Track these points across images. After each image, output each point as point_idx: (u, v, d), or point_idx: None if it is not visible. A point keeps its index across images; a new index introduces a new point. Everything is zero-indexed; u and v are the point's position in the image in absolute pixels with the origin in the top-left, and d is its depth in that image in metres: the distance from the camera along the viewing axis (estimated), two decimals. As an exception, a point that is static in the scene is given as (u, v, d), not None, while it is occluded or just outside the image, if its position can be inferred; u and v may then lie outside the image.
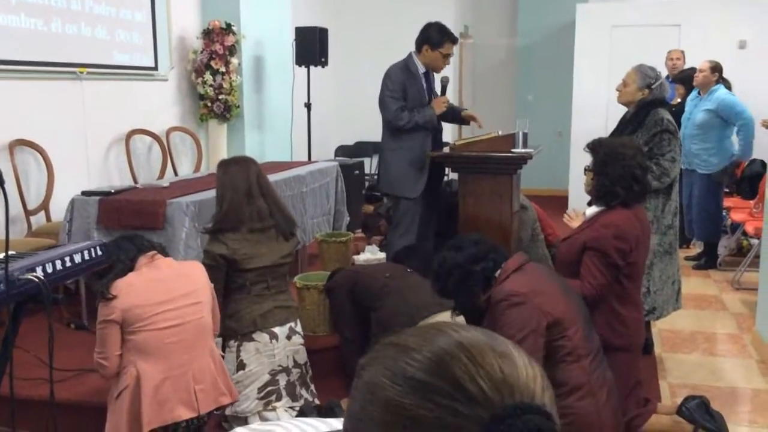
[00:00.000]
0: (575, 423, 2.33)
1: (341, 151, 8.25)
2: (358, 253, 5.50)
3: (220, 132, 6.25)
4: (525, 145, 4.08)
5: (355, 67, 8.04)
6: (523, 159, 3.93)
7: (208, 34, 6.00)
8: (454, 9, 8.76)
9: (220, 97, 6.05)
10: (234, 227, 2.98)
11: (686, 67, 6.52)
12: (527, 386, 0.64)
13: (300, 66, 6.55)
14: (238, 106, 6.21)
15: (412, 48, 4.26)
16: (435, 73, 4.33)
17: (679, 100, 6.22)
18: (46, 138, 4.48)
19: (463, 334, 0.68)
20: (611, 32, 7.95)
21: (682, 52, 6.73)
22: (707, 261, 5.91)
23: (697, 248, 6.25)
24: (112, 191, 3.90)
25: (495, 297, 2.43)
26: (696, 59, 6.32)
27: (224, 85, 6.04)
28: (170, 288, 2.56)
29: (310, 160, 6.57)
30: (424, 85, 4.23)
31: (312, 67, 6.55)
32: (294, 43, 6.48)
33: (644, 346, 3.94)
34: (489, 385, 0.62)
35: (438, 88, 4.43)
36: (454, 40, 4.19)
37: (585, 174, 2.99)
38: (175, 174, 5.65)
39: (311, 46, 6.46)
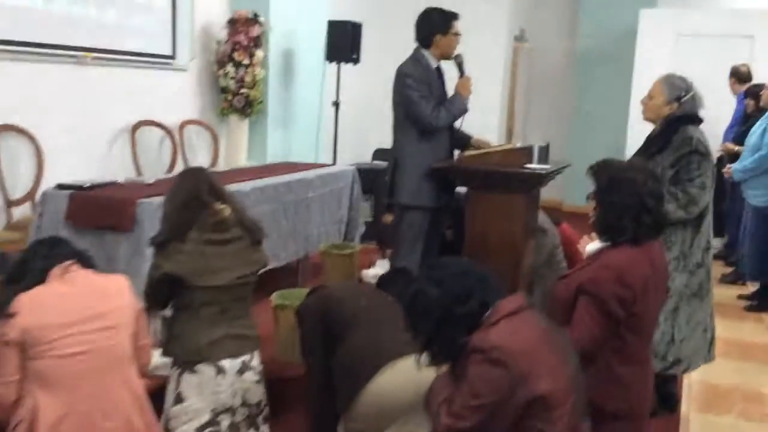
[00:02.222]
0: None
1: (380, 154, 7.85)
2: (369, 267, 5.11)
3: (241, 128, 5.95)
4: (545, 161, 3.60)
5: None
6: (538, 176, 3.46)
7: (233, 24, 5.70)
8: (508, 9, 8.27)
9: (241, 90, 5.74)
10: (180, 237, 2.63)
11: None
12: None
13: (330, 62, 6.20)
14: (261, 102, 5.90)
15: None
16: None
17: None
18: (40, 125, 4.25)
19: None
20: (676, 41, 7.31)
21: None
22: (761, 303, 5.26)
23: (751, 287, 5.59)
24: (86, 186, 3.62)
25: (474, 344, 1.98)
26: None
27: (246, 79, 5.73)
28: (81, 307, 2.21)
29: (334, 162, 6.22)
30: (438, 80, 3.82)
31: (347, 65, 6.19)
32: (326, 37, 6.13)
33: (667, 402, 3.42)
34: None
35: (451, 78, 3.94)
36: (455, 16, 3.82)
37: (587, 202, 2.50)
38: (187, 169, 5.36)
39: (343, 42, 6.10)
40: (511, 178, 3.46)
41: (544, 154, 3.52)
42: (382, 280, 3.38)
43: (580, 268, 2.47)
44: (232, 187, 3.94)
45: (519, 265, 3.62)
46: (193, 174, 2.79)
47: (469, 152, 3.64)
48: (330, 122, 6.39)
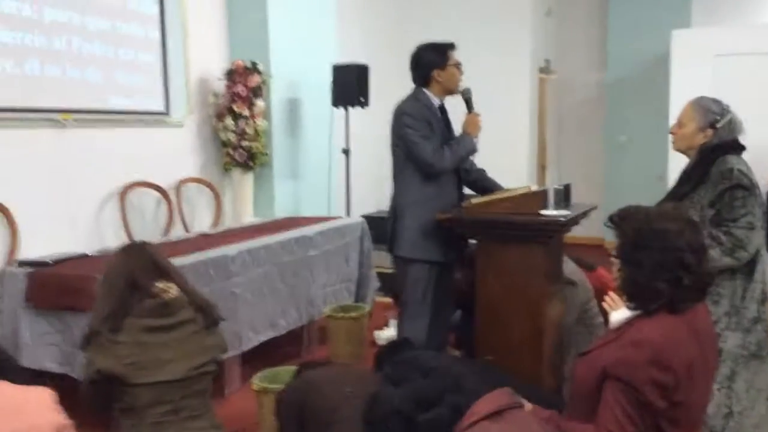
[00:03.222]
0: None
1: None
2: (381, 329, 4.62)
3: (245, 182, 5.58)
4: (564, 204, 3.10)
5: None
6: (556, 224, 2.95)
7: (230, 75, 5.39)
8: (531, 40, 7.83)
9: (243, 143, 5.39)
10: (114, 327, 2.21)
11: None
12: None
13: (337, 107, 5.82)
14: (265, 154, 5.53)
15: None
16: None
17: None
18: (15, 195, 3.93)
19: None
20: (714, 61, 6.75)
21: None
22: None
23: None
24: (50, 261, 3.25)
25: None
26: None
27: (248, 131, 5.38)
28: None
29: (348, 214, 5.80)
30: (442, 119, 3.39)
31: (356, 109, 5.81)
32: (332, 82, 5.76)
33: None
34: None
35: (458, 115, 3.50)
36: (451, 45, 3.40)
37: (611, 262, 1.99)
38: (186, 231, 5.01)
39: (350, 85, 5.72)
40: (523, 227, 2.98)
41: (563, 197, 3.02)
42: (380, 355, 2.90)
43: (604, 343, 1.95)
44: (216, 252, 3.55)
45: (541, 328, 3.10)
46: (130, 251, 2.38)
47: (475, 200, 3.16)
48: (342, 171, 5.99)
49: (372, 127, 5.94)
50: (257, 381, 3.03)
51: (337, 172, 6.08)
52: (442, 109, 3.41)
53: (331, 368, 2.68)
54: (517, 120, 7.77)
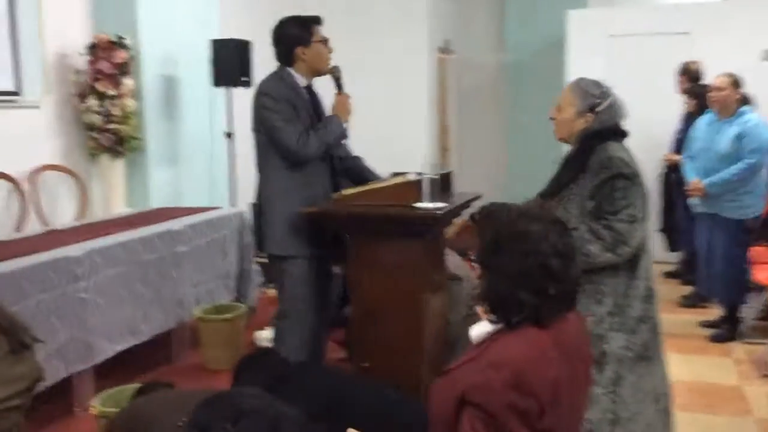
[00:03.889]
0: None
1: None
2: (263, 328, 4.26)
3: (115, 170, 5.07)
4: (444, 195, 2.83)
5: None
6: (433, 218, 2.68)
7: (93, 50, 4.86)
8: (427, 19, 7.56)
9: (109, 126, 4.89)
10: None
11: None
12: None
13: (218, 87, 5.39)
14: (137, 138, 5.05)
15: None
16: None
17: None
18: None
19: None
20: (609, 42, 6.68)
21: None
22: (729, 330, 4.57)
23: (714, 312, 4.89)
24: None
25: None
26: (710, 72, 5.07)
27: (115, 112, 4.88)
28: None
29: (233, 203, 5.40)
30: (310, 102, 3.04)
31: (238, 89, 5.38)
32: (212, 60, 5.31)
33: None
34: None
35: (327, 97, 3.19)
36: (317, 19, 3.07)
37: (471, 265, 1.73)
38: (45, 225, 4.48)
39: (231, 63, 5.28)
40: (395, 221, 2.69)
41: (439, 187, 2.75)
42: (237, 368, 2.56)
43: (465, 361, 1.68)
44: (58, 253, 3.11)
45: (420, 328, 2.84)
46: None
47: (347, 191, 2.85)
48: (225, 157, 5.56)
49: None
50: (97, 403, 2.63)
51: (221, 157, 5.66)
52: (310, 91, 3.07)
53: (169, 393, 2.32)
54: (417, 101, 7.50)
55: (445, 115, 8.67)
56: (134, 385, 2.70)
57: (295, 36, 2.97)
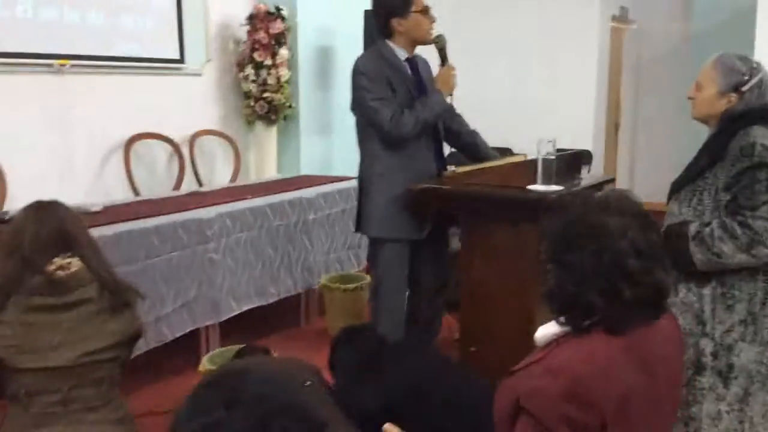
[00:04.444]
0: None
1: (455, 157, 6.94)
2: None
3: (269, 137, 5.28)
4: (568, 177, 2.62)
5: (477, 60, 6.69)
6: (542, 202, 2.48)
7: (252, 20, 5.05)
8: (601, -16, 7.06)
9: (264, 95, 5.07)
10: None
11: None
12: None
13: (370, 57, 5.38)
14: (291, 106, 5.20)
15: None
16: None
17: None
18: (4, 146, 3.78)
19: None
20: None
21: None
22: None
23: None
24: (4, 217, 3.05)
25: None
26: None
27: (270, 81, 5.05)
28: None
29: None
30: (412, 76, 2.90)
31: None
32: (364, 30, 5.32)
33: None
34: None
35: (432, 69, 3.03)
36: None
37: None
38: (199, 186, 4.77)
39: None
40: (506, 203, 2.52)
41: (566, 168, 2.53)
42: (335, 342, 2.55)
43: (527, 364, 1.52)
44: (187, 215, 3.28)
45: (532, 318, 2.67)
46: (34, 215, 2.09)
47: (459, 168, 2.71)
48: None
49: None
50: (206, 361, 2.75)
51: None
52: (413, 63, 2.91)
53: (264, 360, 2.35)
54: (583, 74, 7.06)
55: (618, 89, 8.12)
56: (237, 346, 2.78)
57: (390, 6, 2.81)
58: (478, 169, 2.64)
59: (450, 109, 2.93)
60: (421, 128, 2.79)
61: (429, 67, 3.05)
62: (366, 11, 5.31)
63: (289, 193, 3.88)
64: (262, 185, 4.29)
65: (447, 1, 6.70)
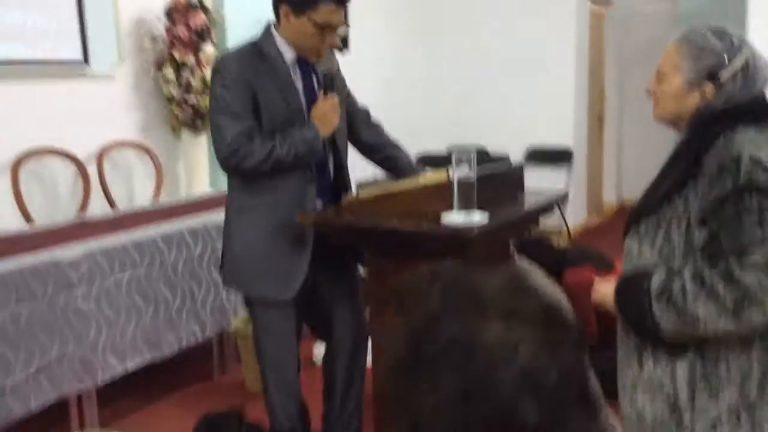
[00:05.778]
0: None
1: (427, 161, 6.25)
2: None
3: (197, 147, 4.64)
4: (492, 199, 1.98)
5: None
6: (459, 239, 1.84)
7: (170, 14, 4.39)
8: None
9: (186, 98, 4.42)
10: None
11: None
12: None
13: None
14: (219, 112, 4.54)
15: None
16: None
17: None
18: None
19: None
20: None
21: None
22: None
23: None
24: None
25: None
26: None
27: (193, 83, 4.40)
28: None
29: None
30: (299, 81, 2.22)
31: (337, 55, 4.72)
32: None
33: None
34: None
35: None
36: None
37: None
38: (111, 207, 4.13)
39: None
40: (414, 240, 1.88)
41: (504, 186, 1.88)
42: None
43: None
44: (42, 257, 2.63)
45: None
46: None
47: (362, 193, 2.06)
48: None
49: (354, 77, 4.84)
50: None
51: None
52: (305, 68, 2.22)
53: None
54: (561, 62, 6.38)
55: (601, 79, 7.46)
56: None
57: None
58: (383, 195, 1.99)
59: (365, 117, 2.31)
60: (273, 167, 2.09)
61: (334, 61, 2.39)
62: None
63: (194, 217, 3.23)
64: (167, 210, 3.62)
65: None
